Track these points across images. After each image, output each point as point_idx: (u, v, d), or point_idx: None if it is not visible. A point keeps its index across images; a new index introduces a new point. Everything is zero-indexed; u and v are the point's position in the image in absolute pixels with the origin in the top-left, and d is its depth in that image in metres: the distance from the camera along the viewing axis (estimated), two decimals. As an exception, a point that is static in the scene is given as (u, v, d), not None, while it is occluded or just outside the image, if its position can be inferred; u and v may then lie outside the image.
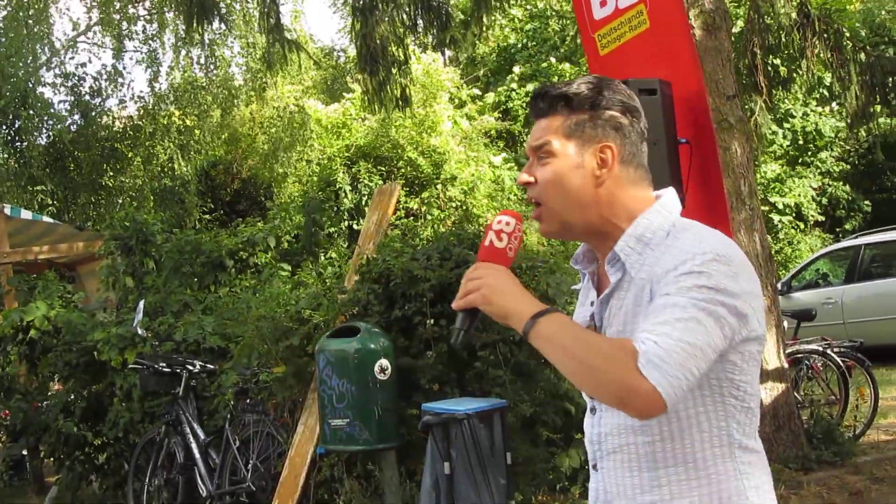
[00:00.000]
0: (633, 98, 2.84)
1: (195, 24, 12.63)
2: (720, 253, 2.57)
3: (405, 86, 12.65)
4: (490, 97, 25.88)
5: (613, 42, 7.49)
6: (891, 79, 11.90)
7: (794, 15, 11.70)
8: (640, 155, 2.83)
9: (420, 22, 12.75)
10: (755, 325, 2.61)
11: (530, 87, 25.36)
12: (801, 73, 12.87)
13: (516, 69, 26.27)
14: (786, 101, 24.78)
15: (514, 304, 2.64)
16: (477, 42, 23.57)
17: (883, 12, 27.51)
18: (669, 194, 2.85)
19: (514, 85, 25.96)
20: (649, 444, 2.65)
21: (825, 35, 11.83)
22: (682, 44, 7.13)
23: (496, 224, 2.81)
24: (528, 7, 28.24)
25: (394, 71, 12.29)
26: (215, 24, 15.78)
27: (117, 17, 25.82)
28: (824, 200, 26.70)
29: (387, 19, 12.14)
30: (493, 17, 13.30)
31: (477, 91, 25.88)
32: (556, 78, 25.47)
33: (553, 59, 25.86)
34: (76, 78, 25.12)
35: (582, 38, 8.00)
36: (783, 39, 12.13)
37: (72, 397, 11.60)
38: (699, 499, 2.61)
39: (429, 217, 19.44)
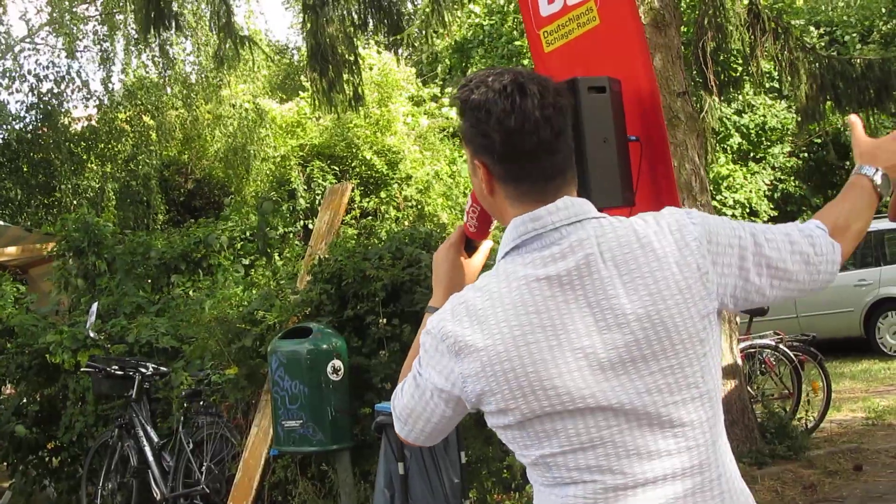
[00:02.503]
0: (514, 110, 2.45)
1: (151, 31, 12.57)
2: (437, 327, 2.47)
3: (357, 85, 12.58)
4: (448, 93, 25.78)
5: (560, 39, 7.47)
6: (840, 82, 11.97)
7: (743, 14, 11.75)
8: (527, 171, 2.51)
9: (370, 21, 12.71)
10: (488, 404, 2.42)
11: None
12: (751, 71, 12.92)
13: (481, 59, 26.18)
14: (738, 97, 24.90)
15: (434, 285, 2.90)
16: (435, 40, 23.57)
17: (829, 10, 27.71)
18: (512, 226, 2.53)
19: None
20: None
21: (776, 34, 11.89)
22: (634, 41, 7.13)
23: (466, 205, 2.95)
24: (488, 2, 28.16)
25: (344, 71, 12.24)
26: (173, 30, 15.69)
27: (67, 17, 25.61)
28: (776, 195, 26.85)
29: (336, 18, 12.09)
30: (453, 15, 13.21)
31: (436, 90, 25.80)
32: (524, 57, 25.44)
33: (518, 42, 25.69)
34: (36, 79, 24.94)
35: (527, 36, 8.00)
36: (733, 38, 12.18)
37: (24, 401, 11.50)
38: None
39: (386, 217, 19.41)
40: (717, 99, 13.17)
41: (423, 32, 13.16)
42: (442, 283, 2.88)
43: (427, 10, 13.17)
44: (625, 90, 6.80)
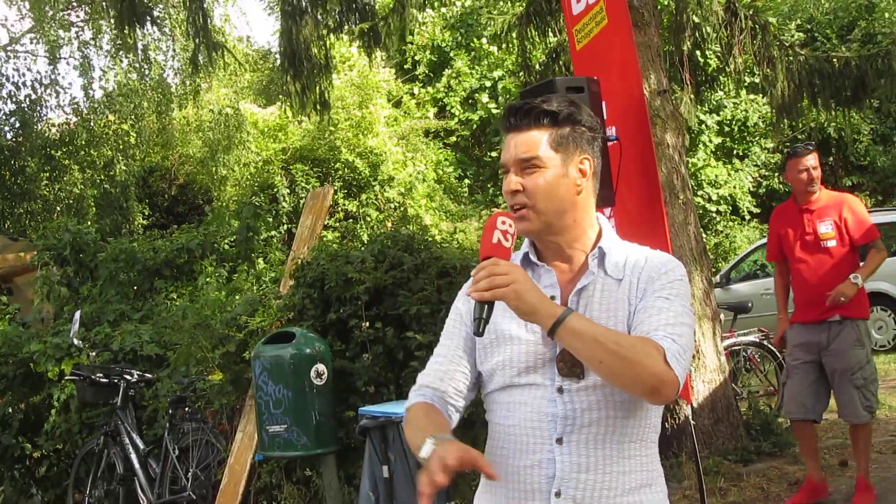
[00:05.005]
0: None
1: (127, 29, 12.49)
2: (682, 266, 3.13)
3: (324, 90, 12.55)
4: (428, 91, 25.70)
5: (585, 38, 7.57)
6: (817, 79, 11.99)
7: (721, 12, 11.76)
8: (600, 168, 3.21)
9: (346, 25, 12.66)
10: None
11: (466, 83, 25.22)
12: (729, 68, 12.92)
13: (459, 63, 26.06)
14: (718, 91, 24.84)
15: (542, 302, 2.84)
16: (410, 38, 23.48)
17: (811, 8, 27.76)
18: (600, 214, 3.29)
19: (452, 83, 25.75)
20: (623, 419, 3.00)
21: (753, 30, 11.89)
22: (625, 40, 7.17)
23: (501, 224, 2.98)
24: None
25: (315, 74, 12.19)
26: (147, 28, 15.59)
27: (52, 23, 25.51)
28: (761, 190, 26.88)
29: (311, 21, 12.04)
30: (420, 13, 13.16)
31: (414, 90, 25.74)
32: (486, 62, 25.39)
33: (484, 41, 25.69)
34: (13, 86, 24.86)
35: (568, 35, 8.12)
36: (711, 35, 12.20)
37: (9, 410, 11.48)
38: (648, 475, 3.07)
39: (367, 219, 19.37)
40: (692, 97, 13.18)
41: (388, 34, 13.14)
42: (542, 293, 2.93)
43: (389, 7, 13.16)
44: (618, 89, 6.86)
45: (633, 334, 2.95)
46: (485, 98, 24.77)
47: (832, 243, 8.28)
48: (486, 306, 2.87)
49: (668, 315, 2.93)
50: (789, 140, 26.42)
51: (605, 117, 6.96)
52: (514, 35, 13.86)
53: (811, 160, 8.29)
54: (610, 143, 6.52)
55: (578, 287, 3.09)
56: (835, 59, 12.21)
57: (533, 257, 3.21)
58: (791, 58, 12.06)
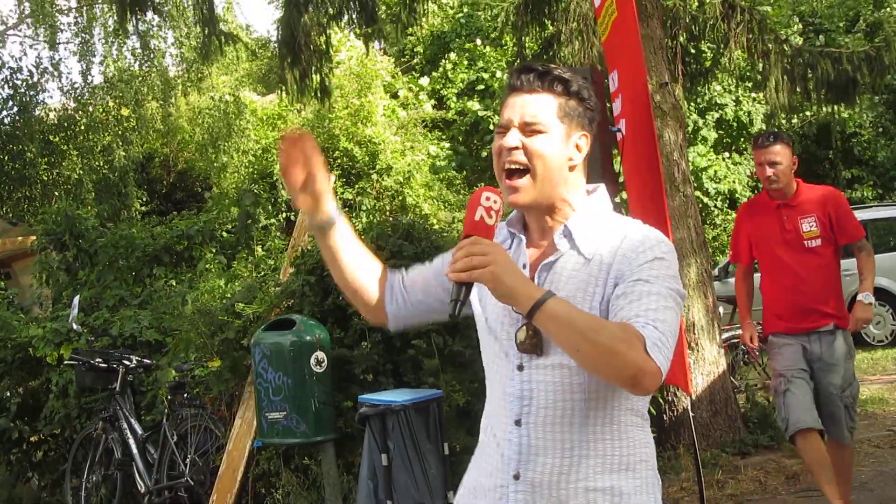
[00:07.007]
0: None
1: (128, 15, 12.42)
2: (668, 242, 2.97)
3: (325, 76, 12.50)
4: (425, 82, 25.67)
5: (605, 31, 7.60)
6: (811, 73, 12.00)
7: (718, 4, 11.78)
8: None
9: (346, 13, 12.61)
10: None
11: (463, 75, 25.25)
12: (725, 62, 12.95)
13: (452, 55, 26.08)
14: (715, 88, 24.76)
15: (522, 285, 2.75)
16: (411, 30, 23.45)
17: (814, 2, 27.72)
18: (602, 188, 3.16)
19: (449, 73, 25.75)
20: (585, 401, 2.91)
21: (750, 25, 11.90)
22: (631, 32, 7.19)
23: (485, 201, 2.87)
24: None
25: (314, 61, 12.16)
26: (149, 16, 15.54)
27: (49, 9, 25.47)
28: (759, 184, 26.83)
29: (311, 9, 12.00)
30: (425, 6, 13.15)
31: (411, 86, 25.71)
32: (482, 62, 25.42)
33: (479, 41, 25.75)
34: (9, 70, 24.85)
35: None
36: (707, 28, 12.21)
37: (8, 394, 11.47)
38: (618, 459, 2.93)
39: (363, 207, 19.33)
40: (685, 87, 13.20)
41: (396, 25, 13.14)
42: (524, 275, 2.85)
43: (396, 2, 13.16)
44: (624, 82, 6.89)
45: (612, 321, 2.82)
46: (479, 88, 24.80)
47: (817, 242, 7.24)
48: (464, 287, 2.80)
49: (650, 300, 2.80)
50: (789, 132, 26.43)
51: (614, 111, 7.03)
52: (510, 25, 13.87)
53: (772, 154, 7.24)
54: (619, 137, 6.54)
55: (545, 262, 3.02)
56: (829, 54, 12.22)
57: (518, 226, 3.17)
58: (786, 50, 12.07)
